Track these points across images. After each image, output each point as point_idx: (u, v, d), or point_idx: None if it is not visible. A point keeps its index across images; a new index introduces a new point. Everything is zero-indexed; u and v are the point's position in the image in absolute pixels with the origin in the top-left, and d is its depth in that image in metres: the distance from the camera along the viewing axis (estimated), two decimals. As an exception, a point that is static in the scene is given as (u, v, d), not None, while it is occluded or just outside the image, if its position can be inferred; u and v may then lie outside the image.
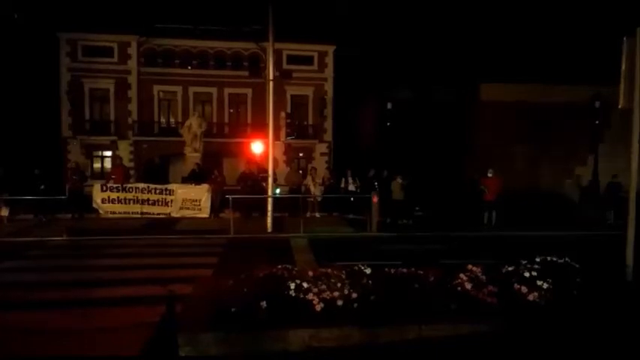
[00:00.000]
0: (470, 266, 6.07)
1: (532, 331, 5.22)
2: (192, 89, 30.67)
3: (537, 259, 6.24)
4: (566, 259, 6.27)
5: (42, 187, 15.30)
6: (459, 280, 5.70)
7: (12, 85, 28.74)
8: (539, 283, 5.66)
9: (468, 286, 5.59)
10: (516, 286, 5.64)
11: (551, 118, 27.90)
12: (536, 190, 26.48)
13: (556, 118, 27.77)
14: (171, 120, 30.66)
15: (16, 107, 28.81)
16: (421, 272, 5.90)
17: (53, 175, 17.30)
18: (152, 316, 5.73)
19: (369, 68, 34.26)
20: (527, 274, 5.81)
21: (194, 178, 16.74)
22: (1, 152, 24.02)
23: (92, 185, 16.64)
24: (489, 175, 15.32)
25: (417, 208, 15.63)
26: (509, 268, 6.06)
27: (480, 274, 5.87)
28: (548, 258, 6.25)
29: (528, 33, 33.31)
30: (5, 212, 14.37)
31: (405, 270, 5.99)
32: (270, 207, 13.85)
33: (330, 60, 31.67)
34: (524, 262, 6.20)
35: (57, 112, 29.35)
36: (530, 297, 5.52)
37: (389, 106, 30.52)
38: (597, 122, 21.24)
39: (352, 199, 16.25)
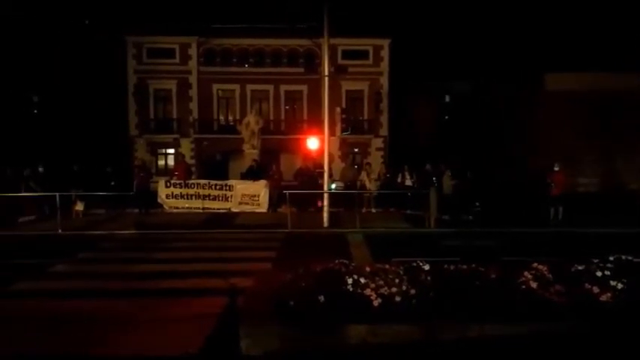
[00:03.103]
0: (535, 264, 5.80)
1: (605, 334, 4.92)
2: (249, 87, 31.35)
3: (610, 258, 5.86)
4: (643, 258, 5.86)
5: (112, 183, 16.24)
6: (524, 279, 5.46)
7: (85, 89, 30.74)
8: (612, 283, 5.31)
9: (534, 284, 5.34)
10: (587, 285, 5.33)
11: (623, 108, 26.08)
12: (608, 185, 24.93)
13: (628, 108, 25.93)
14: (230, 118, 31.50)
15: (89, 109, 30.79)
16: (482, 269, 5.71)
17: (122, 172, 18.28)
18: (215, 307, 5.94)
19: (425, 61, 33.59)
20: (599, 274, 5.47)
21: (252, 174, 17.13)
22: (76, 151, 25.77)
23: (157, 181, 17.45)
24: (556, 169, 14.57)
25: (477, 204, 15.16)
26: (579, 267, 5.73)
27: (546, 273, 5.59)
28: (623, 257, 5.86)
29: (596, 18, 31.29)
30: (80, 207, 15.36)
31: (465, 267, 5.82)
32: (326, 202, 13.93)
33: (385, 54, 31.25)
34: (595, 260, 5.85)
35: (125, 113, 31.03)
36: (603, 298, 5.19)
37: (447, 99, 29.80)
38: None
39: (409, 194, 16.01)
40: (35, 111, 28.08)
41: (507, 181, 19.11)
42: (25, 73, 28.57)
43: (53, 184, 14.94)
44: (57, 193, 13.70)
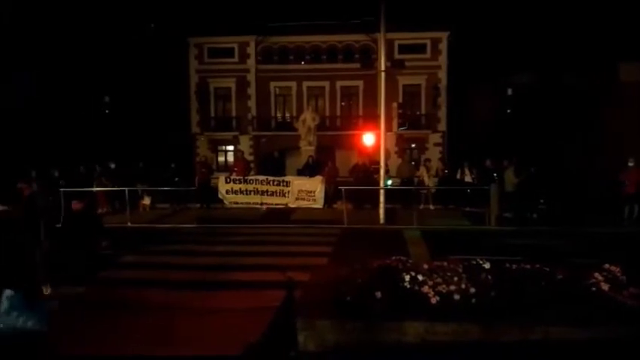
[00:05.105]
0: (607, 265, 5.48)
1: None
2: (305, 84, 31.64)
3: (692, 260, 5.43)
4: None
5: (176, 179, 16.96)
6: (594, 280, 5.18)
7: (151, 89, 32.31)
8: (694, 287, 4.92)
9: (605, 286, 5.06)
10: (665, 289, 4.98)
11: None
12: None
13: None
14: (287, 115, 31.96)
15: (155, 108, 32.35)
16: (547, 269, 5.47)
17: (185, 168, 19.02)
18: (272, 300, 6.06)
19: (486, 53, 32.43)
20: (678, 277, 5.09)
21: (308, 170, 17.29)
22: (143, 148, 27.16)
23: (217, 177, 18.02)
24: (630, 164, 13.64)
25: (542, 201, 14.46)
26: (656, 269, 5.36)
27: (619, 274, 5.27)
28: None
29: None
30: (147, 201, 16.18)
31: (528, 266, 5.60)
32: (382, 198, 13.82)
33: (443, 47, 30.48)
34: (675, 262, 5.44)
35: (187, 111, 32.29)
36: (683, 302, 4.83)
37: (509, 92, 28.63)
38: None
39: (469, 190, 15.55)
40: (107, 111, 29.86)
41: (575, 178, 18.11)
42: (98, 75, 30.46)
43: (122, 179, 15.82)
44: (126, 189, 14.52)
